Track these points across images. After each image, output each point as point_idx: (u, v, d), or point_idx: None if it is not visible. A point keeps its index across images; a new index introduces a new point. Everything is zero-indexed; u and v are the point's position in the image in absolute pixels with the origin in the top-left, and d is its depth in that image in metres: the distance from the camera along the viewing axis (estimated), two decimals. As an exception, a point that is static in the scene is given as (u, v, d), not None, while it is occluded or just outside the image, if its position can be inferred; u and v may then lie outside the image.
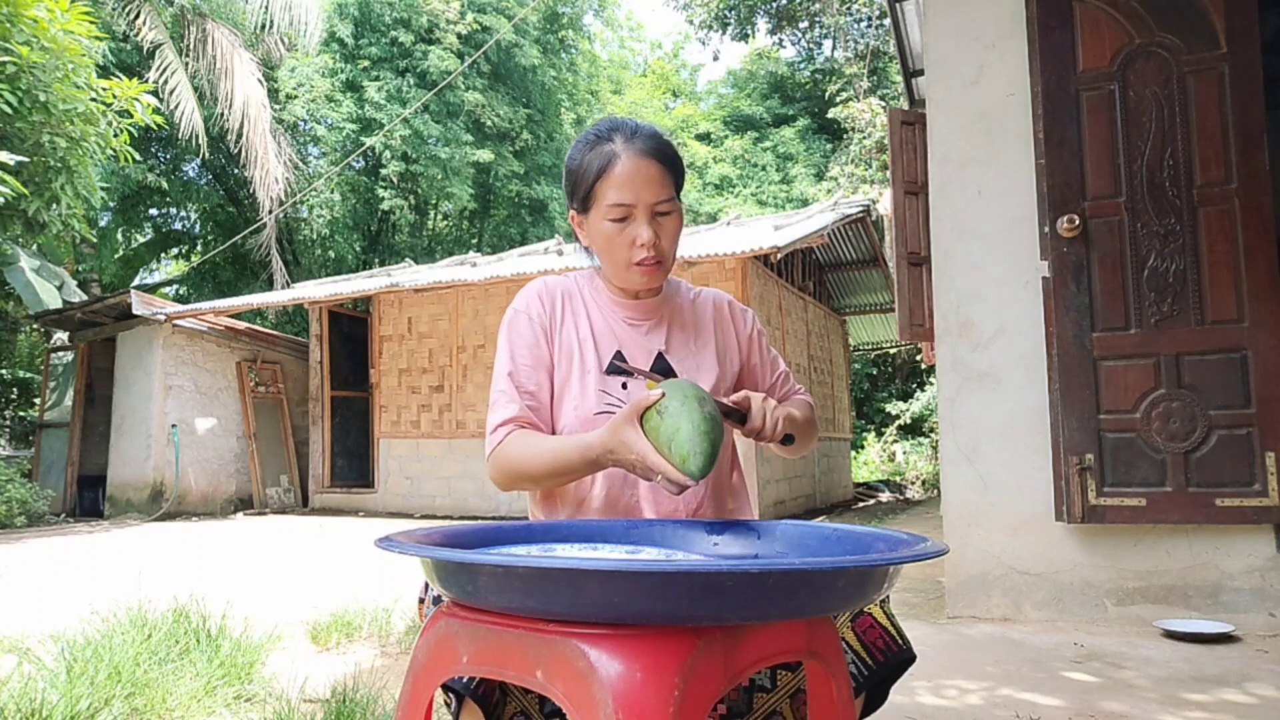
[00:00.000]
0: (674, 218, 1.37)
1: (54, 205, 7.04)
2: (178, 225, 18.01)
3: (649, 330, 1.44)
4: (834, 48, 18.98)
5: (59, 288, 11.56)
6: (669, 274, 1.44)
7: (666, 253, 1.37)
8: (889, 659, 1.15)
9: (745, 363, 1.52)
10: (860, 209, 9.89)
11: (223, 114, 13.32)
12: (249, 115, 13.11)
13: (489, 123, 15.87)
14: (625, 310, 1.45)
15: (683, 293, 1.52)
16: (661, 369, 1.41)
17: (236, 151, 13.69)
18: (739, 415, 1.28)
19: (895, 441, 15.78)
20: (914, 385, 16.00)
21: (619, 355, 1.41)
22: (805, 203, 16.19)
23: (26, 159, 6.50)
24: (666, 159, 1.35)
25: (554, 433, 1.41)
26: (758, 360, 1.53)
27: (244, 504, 10.31)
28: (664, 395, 1.15)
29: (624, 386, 1.39)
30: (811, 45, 20.11)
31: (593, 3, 20.91)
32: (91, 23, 6.77)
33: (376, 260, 16.32)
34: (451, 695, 1.13)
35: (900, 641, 1.17)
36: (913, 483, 13.60)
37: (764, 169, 19.15)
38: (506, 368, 1.40)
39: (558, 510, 1.40)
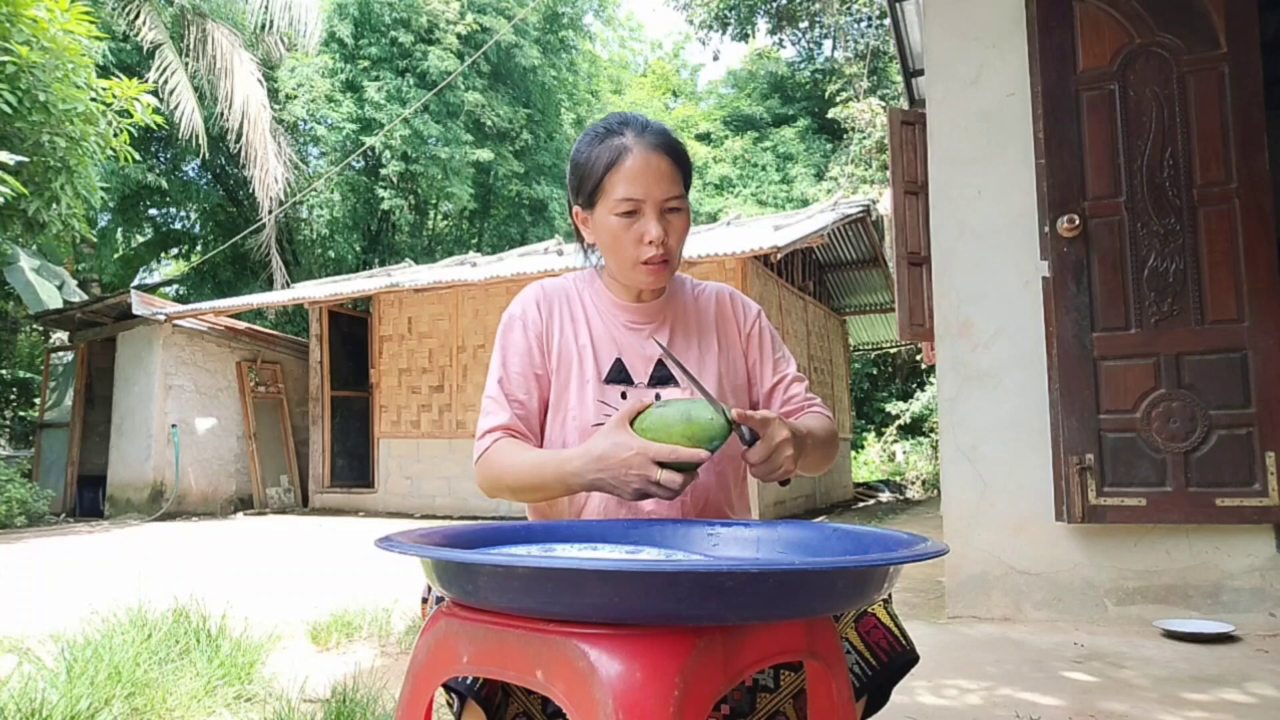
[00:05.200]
0: (683, 216, 1.33)
1: (54, 205, 7.04)
2: (178, 225, 18.01)
3: (650, 334, 1.40)
4: (834, 48, 18.98)
5: (59, 288, 11.56)
6: (674, 273, 1.40)
7: (674, 251, 1.33)
8: (892, 660, 1.15)
9: (745, 361, 1.46)
10: (860, 209, 9.88)
11: (223, 114, 13.32)
12: (249, 115, 13.12)
13: (489, 123, 15.86)
14: (626, 314, 1.41)
15: (686, 291, 1.47)
16: (661, 377, 1.37)
17: (236, 151, 13.69)
18: (746, 435, 1.16)
19: (895, 441, 15.78)
20: (914, 385, 16.00)
21: (618, 363, 1.38)
22: (805, 203, 16.20)
23: (26, 159, 6.50)
24: (677, 155, 1.32)
25: (543, 441, 1.38)
26: (756, 357, 1.46)
27: (244, 504, 10.31)
28: (658, 397, 1.15)
29: (623, 396, 1.35)
30: (811, 45, 20.10)
31: (593, 3, 20.91)
32: (91, 23, 6.77)
33: (376, 260, 16.32)
34: (454, 696, 1.13)
35: (904, 642, 1.16)
36: (913, 483, 13.60)
37: (764, 169, 19.16)
38: (498, 374, 1.38)
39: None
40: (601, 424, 1.31)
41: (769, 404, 1.46)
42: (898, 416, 15.22)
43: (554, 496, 1.28)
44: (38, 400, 12.30)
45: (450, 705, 1.15)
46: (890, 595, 1.20)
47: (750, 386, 1.46)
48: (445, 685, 1.12)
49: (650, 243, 1.30)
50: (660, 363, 1.38)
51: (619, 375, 1.37)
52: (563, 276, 1.48)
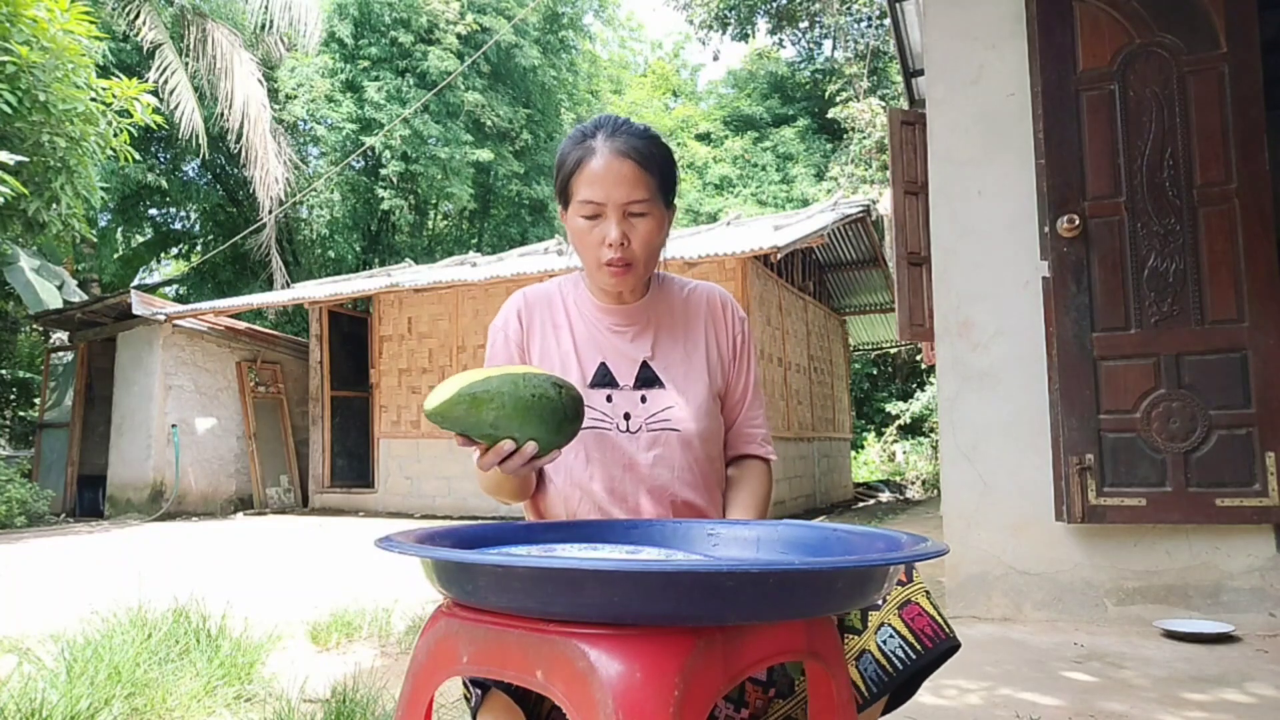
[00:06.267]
0: (649, 220, 1.32)
1: (54, 205, 7.04)
2: (178, 225, 18.01)
3: (634, 337, 1.40)
4: (834, 48, 18.98)
5: (59, 288, 11.56)
6: (644, 278, 1.39)
7: (638, 256, 1.32)
8: (936, 645, 1.16)
9: (726, 364, 1.45)
10: (860, 209, 9.89)
11: (223, 114, 13.31)
12: (249, 115, 13.11)
13: (489, 123, 15.86)
14: (610, 316, 1.41)
15: (674, 291, 1.46)
16: (646, 378, 1.38)
17: (236, 151, 13.69)
18: None
19: (895, 441, 15.78)
20: (914, 385, 16.00)
21: (603, 368, 1.38)
22: (805, 203, 16.20)
23: (26, 159, 6.50)
24: (644, 158, 1.30)
25: None
26: (736, 366, 1.46)
27: (244, 504, 10.31)
28: (643, 400, 1.17)
29: (609, 400, 1.35)
30: (811, 45, 20.11)
31: (593, 3, 20.90)
32: (91, 23, 6.77)
33: (376, 260, 16.31)
34: (475, 690, 1.12)
35: (947, 630, 1.17)
36: (913, 483, 13.60)
37: (764, 169, 19.16)
38: None
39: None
40: (590, 428, 1.33)
41: (734, 414, 1.47)
42: (898, 416, 15.22)
43: (521, 489, 1.34)
44: (38, 400, 12.30)
45: (468, 700, 1.15)
46: (926, 586, 1.21)
47: (726, 391, 1.47)
48: (471, 679, 1.11)
49: (609, 245, 1.30)
50: (645, 364, 1.39)
51: (604, 379, 1.37)
52: (548, 281, 1.49)
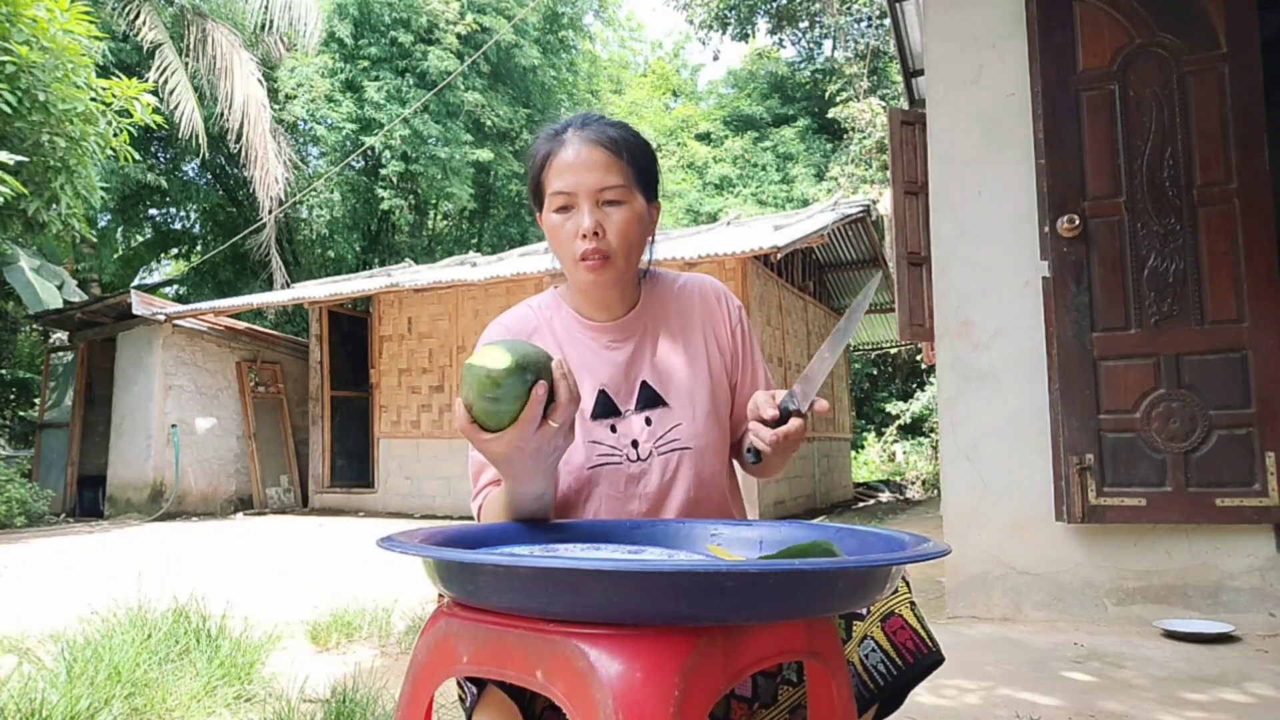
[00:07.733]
0: (626, 209, 1.24)
1: (54, 205, 7.04)
2: (178, 225, 18.00)
3: (631, 353, 1.33)
4: (834, 48, 18.98)
5: (59, 288, 11.55)
6: (625, 275, 1.29)
7: (615, 248, 1.24)
8: (918, 660, 1.15)
9: (728, 356, 1.38)
10: (860, 209, 9.89)
11: (223, 114, 13.31)
12: (249, 115, 13.11)
13: (489, 123, 15.87)
14: (604, 335, 1.33)
15: (666, 291, 1.39)
16: (648, 399, 1.31)
17: (236, 151, 13.68)
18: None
19: (895, 441, 15.78)
20: (914, 385, 16.00)
21: (602, 396, 1.30)
22: (805, 203, 16.20)
23: (26, 159, 6.50)
24: (616, 145, 1.25)
25: (557, 488, 1.29)
26: (738, 355, 1.38)
27: (244, 504, 10.31)
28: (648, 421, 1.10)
29: (613, 430, 1.29)
30: (811, 45, 20.11)
31: (593, 3, 20.90)
32: (91, 22, 6.77)
33: (376, 260, 16.32)
34: (470, 689, 1.11)
35: (930, 643, 1.16)
36: (913, 483, 13.60)
37: (764, 169, 19.16)
38: None
39: None
40: (597, 466, 1.28)
41: (744, 408, 1.42)
42: (898, 416, 15.22)
43: (529, 500, 1.16)
44: (38, 400, 12.29)
45: (462, 700, 1.14)
46: (913, 597, 1.20)
47: (730, 386, 1.40)
48: (468, 676, 1.10)
49: (582, 235, 1.22)
50: (645, 384, 1.32)
51: (605, 409, 1.30)
52: (524, 306, 1.39)
